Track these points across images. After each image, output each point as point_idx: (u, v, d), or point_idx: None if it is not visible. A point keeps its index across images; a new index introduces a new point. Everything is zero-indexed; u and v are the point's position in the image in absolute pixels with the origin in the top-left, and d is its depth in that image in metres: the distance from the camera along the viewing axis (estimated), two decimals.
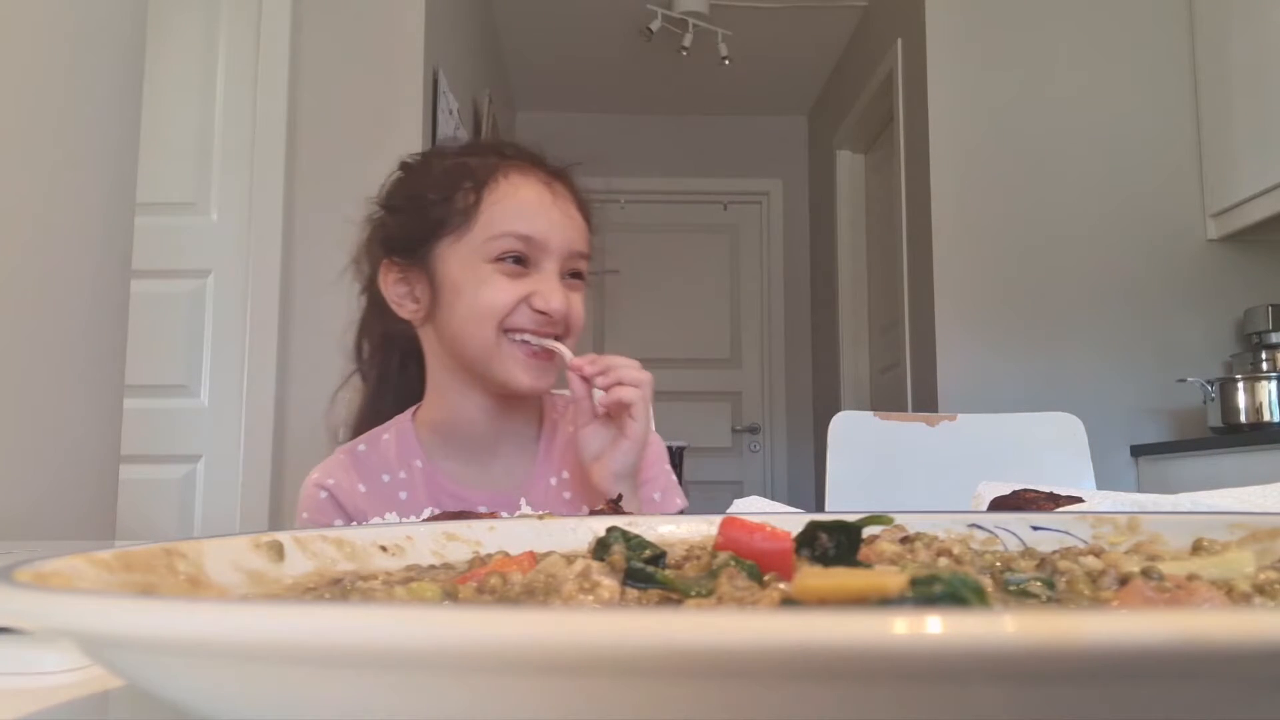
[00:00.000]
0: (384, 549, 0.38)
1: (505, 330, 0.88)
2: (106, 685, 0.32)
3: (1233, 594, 0.27)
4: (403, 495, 0.92)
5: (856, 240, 4.04)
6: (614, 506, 0.61)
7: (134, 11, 1.44)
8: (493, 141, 0.99)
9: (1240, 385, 2.57)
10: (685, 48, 3.74)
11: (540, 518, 0.43)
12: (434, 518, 0.47)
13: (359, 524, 0.87)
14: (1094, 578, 0.30)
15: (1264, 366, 2.63)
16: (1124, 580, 0.29)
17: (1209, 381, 2.64)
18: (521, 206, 0.90)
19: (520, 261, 0.89)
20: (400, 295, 0.93)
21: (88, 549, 0.28)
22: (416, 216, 0.92)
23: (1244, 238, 2.83)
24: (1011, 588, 0.29)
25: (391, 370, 1.00)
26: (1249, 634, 0.14)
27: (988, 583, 0.29)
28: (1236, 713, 0.16)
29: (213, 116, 2.40)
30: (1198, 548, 0.34)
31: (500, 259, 0.88)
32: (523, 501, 0.92)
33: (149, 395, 2.11)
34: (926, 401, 2.94)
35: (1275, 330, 2.67)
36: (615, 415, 0.88)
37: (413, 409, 0.97)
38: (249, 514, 2.26)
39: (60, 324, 1.26)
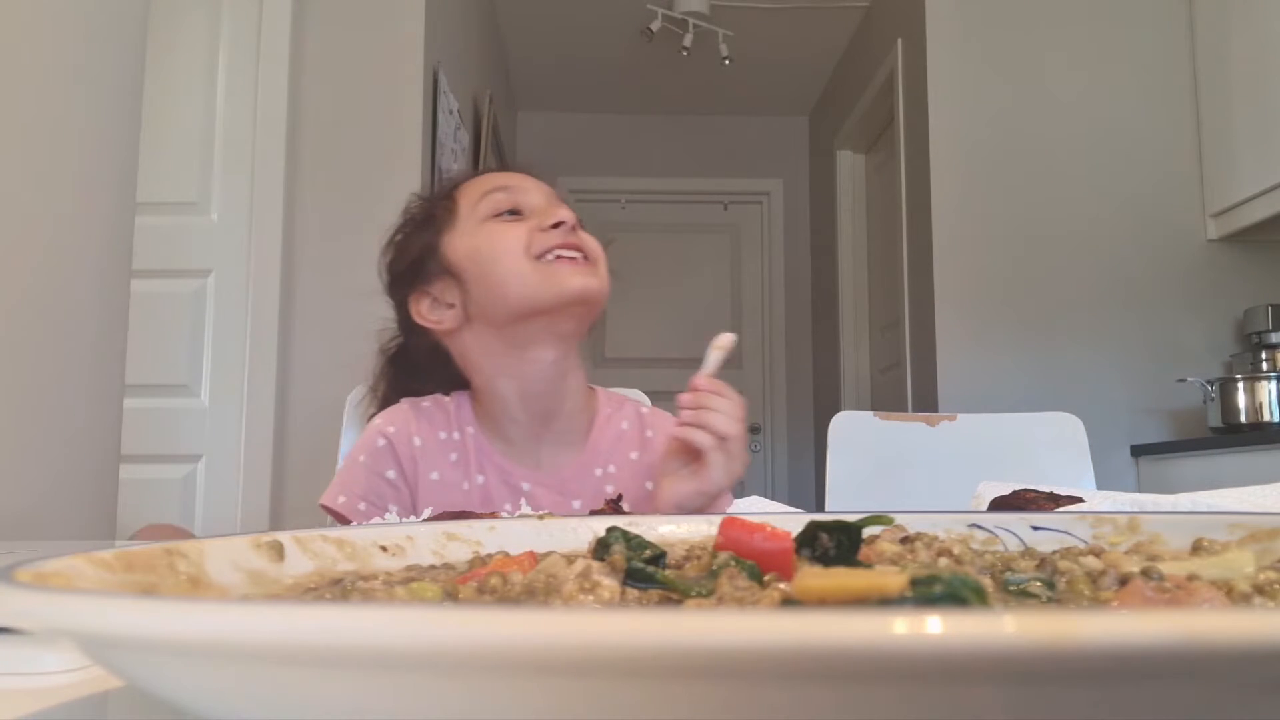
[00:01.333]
0: (384, 549, 0.38)
1: (536, 258, 0.90)
2: (106, 685, 0.32)
3: (1233, 594, 0.27)
4: (453, 456, 0.94)
5: (857, 240, 4.04)
6: (614, 506, 0.61)
7: (135, 11, 1.44)
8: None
9: (1240, 385, 2.57)
10: (686, 48, 3.74)
11: (540, 518, 0.43)
12: (434, 517, 0.47)
13: (409, 477, 0.93)
14: (1094, 578, 0.30)
15: (1264, 366, 2.63)
16: (1124, 580, 0.29)
17: (1209, 381, 2.64)
18: (492, 176, 0.98)
19: (513, 213, 0.93)
20: (436, 313, 0.95)
21: (88, 549, 0.28)
22: (411, 245, 0.97)
23: (1244, 238, 2.83)
24: (1011, 588, 0.29)
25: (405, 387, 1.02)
26: (1249, 634, 0.14)
27: (988, 583, 0.29)
28: (1236, 713, 0.16)
29: (213, 116, 2.40)
30: (1198, 548, 0.34)
31: (496, 216, 0.93)
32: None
33: (149, 395, 2.11)
34: (926, 401, 2.94)
35: (1275, 330, 2.67)
36: (693, 453, 0.86)
37: (468, 391, 0.98)
38: (249, 514, 2.26)
39: (60, 324, 1.26)
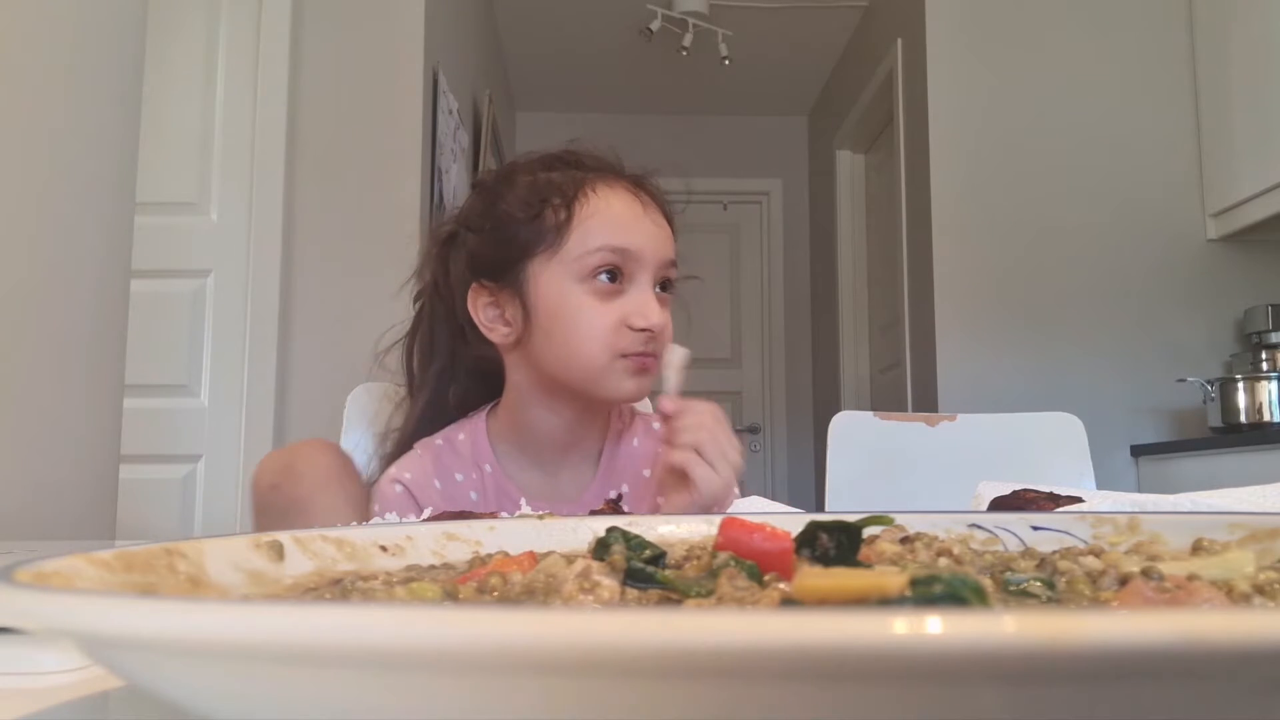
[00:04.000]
0: (384, 549, 0.38)
1: (614, 355, 0.87)
2: (106, 685, 0.32)
3: (1233, 594, 0.27)
4: (473, 495, 0.92)
5: (856, 240, 4.04)
6: (613, 506, 0.61)
7: (134, 11, 1.44)
8: (569, 153, 0.96)
9: (1240, 385, 2.57)
10: (685, 48, 3.74)
11: (540, 518, 0.43)
12: (434, 517, 0.47)
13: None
14: (1094, 578, 0.30)
15: (1264, 366, 2.63)
16: (1124, 580, 0.29)
17: (1209, 381, 2.64)
18: (615, 220, 0.89)
19: (613, 277, 0.87)
20: (492, 319, 0.91)
21: (88, 549, 0.28)
22: (506, 237, 0.90)
23: (1244, 238, 2.83)
24: (1011, 588, 0.29)
25: (446, 395, 0.98)
26: (1249, 634, 0.14)
27: (988, 583, 0.29)
28: (1236, 713, 0.16)
29: (213, 116, 2.40)
30: (1198, 548, 0.34)
31: (594, 276, 0.87)
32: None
33: (149, 395, 2.11)
34: (926, 401, 2.94)
35: (1275, 330, 2.67)
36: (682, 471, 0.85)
37: (486, 408, 0.96)
38: (249, 514, 2.26)
39: (60, 324, 1.26)
